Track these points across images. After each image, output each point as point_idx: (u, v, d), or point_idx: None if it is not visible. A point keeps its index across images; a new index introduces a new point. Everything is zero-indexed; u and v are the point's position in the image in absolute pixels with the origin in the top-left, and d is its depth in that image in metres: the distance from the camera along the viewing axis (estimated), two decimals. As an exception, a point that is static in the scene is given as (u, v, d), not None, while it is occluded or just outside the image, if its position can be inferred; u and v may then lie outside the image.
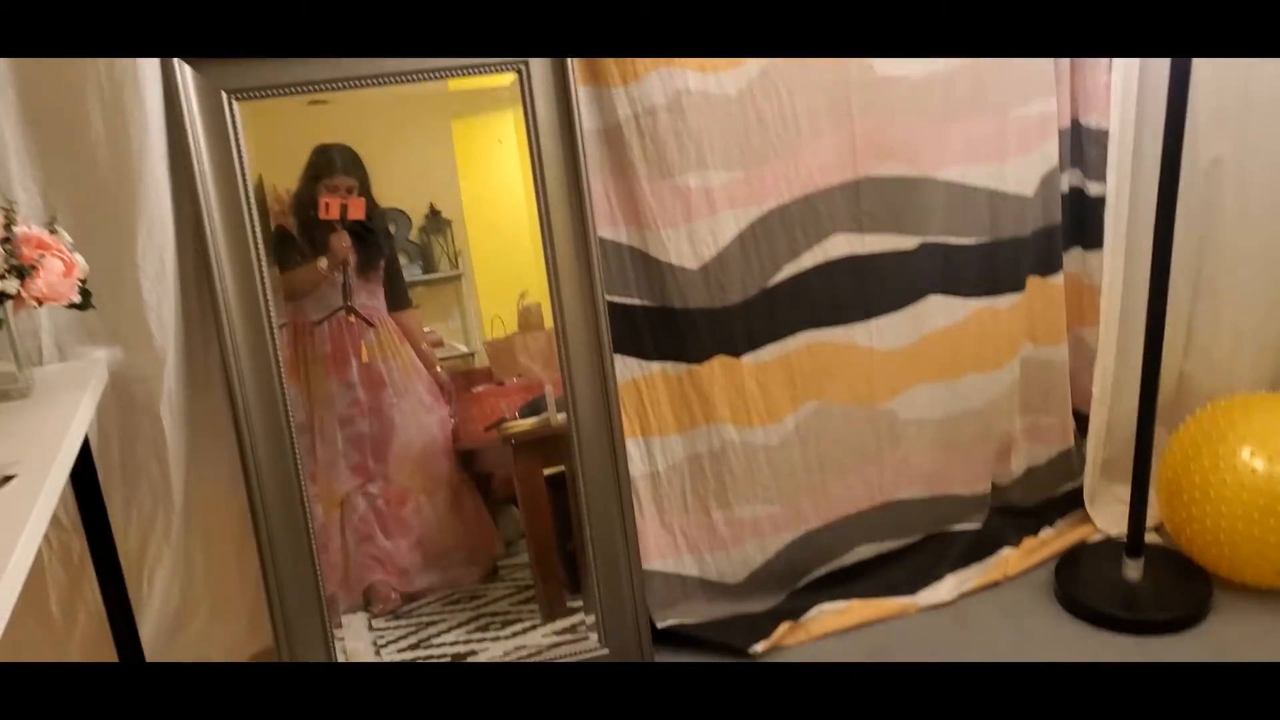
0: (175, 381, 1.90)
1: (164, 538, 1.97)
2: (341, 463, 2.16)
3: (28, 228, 1.53)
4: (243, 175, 1.83)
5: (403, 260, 2.19)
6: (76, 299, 1.59)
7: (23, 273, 1.49)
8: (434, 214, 2.21)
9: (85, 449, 1.84)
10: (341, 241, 2.08)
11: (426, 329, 2.24)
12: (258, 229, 1.87)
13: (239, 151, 1.82)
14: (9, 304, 1.52)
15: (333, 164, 2.13)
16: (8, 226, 1.50)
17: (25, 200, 1.71)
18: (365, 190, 2.13)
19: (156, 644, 2.01)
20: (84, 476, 1.85)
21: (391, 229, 2.18)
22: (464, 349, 2.27)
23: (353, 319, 2.14)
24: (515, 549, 2.30)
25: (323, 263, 2.08)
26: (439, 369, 2.23)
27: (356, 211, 2.07)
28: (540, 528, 2.22)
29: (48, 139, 1.73)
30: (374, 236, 2.14)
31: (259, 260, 1.87)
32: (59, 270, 1.55)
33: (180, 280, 1.87)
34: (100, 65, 1.69)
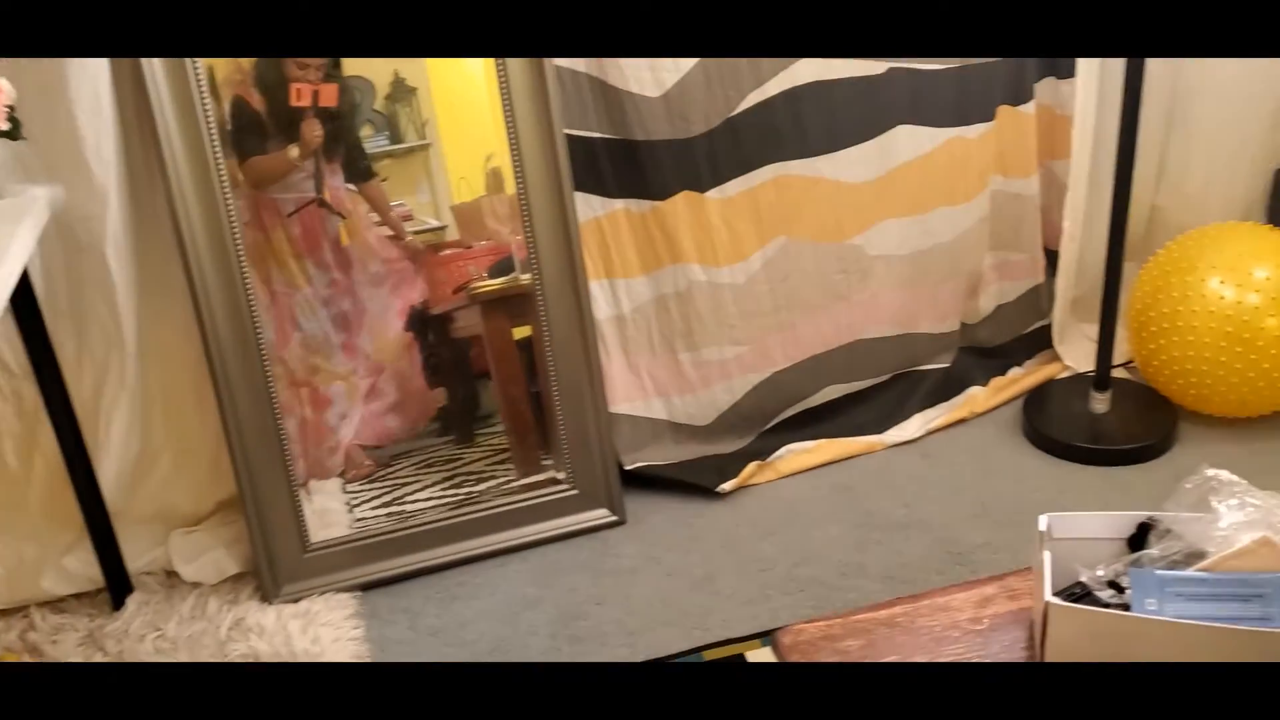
0: (121, 223, 1.85)
1: (119, 383, 1.94)
2: (333, 340, 2.12)
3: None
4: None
5: (369, 130, 2.12)
6: (4, 126, 1.53)
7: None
8: (399, 81, 2.13)
9: (30, 293, 1.80)
10: (313, 130, 2.00)
11: (396, 203, 2.18)
12: (199, 69, 1.80)
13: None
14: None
15: None
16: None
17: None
18: (332, 64, 2.03)
19: (118, 492, 2.00)
20: (31, 321, 1.81)
21: (356, 99, 2.10)
22: (435, 223, 2.21)
23: (324, 209, 2.08)
24: (494, 420, 2.27)
25: (294, 151, 2.00)
26: (409, 238, 2.17)
27: (329, 98, 1.99)
28: (512, 387, 2.20)
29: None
30: (344, 120, 2.05)
31: (202, 102, 1.81)
32: (-16, 95, 1.49)
33: (120, 117, 1.80)
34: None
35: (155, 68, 1.78)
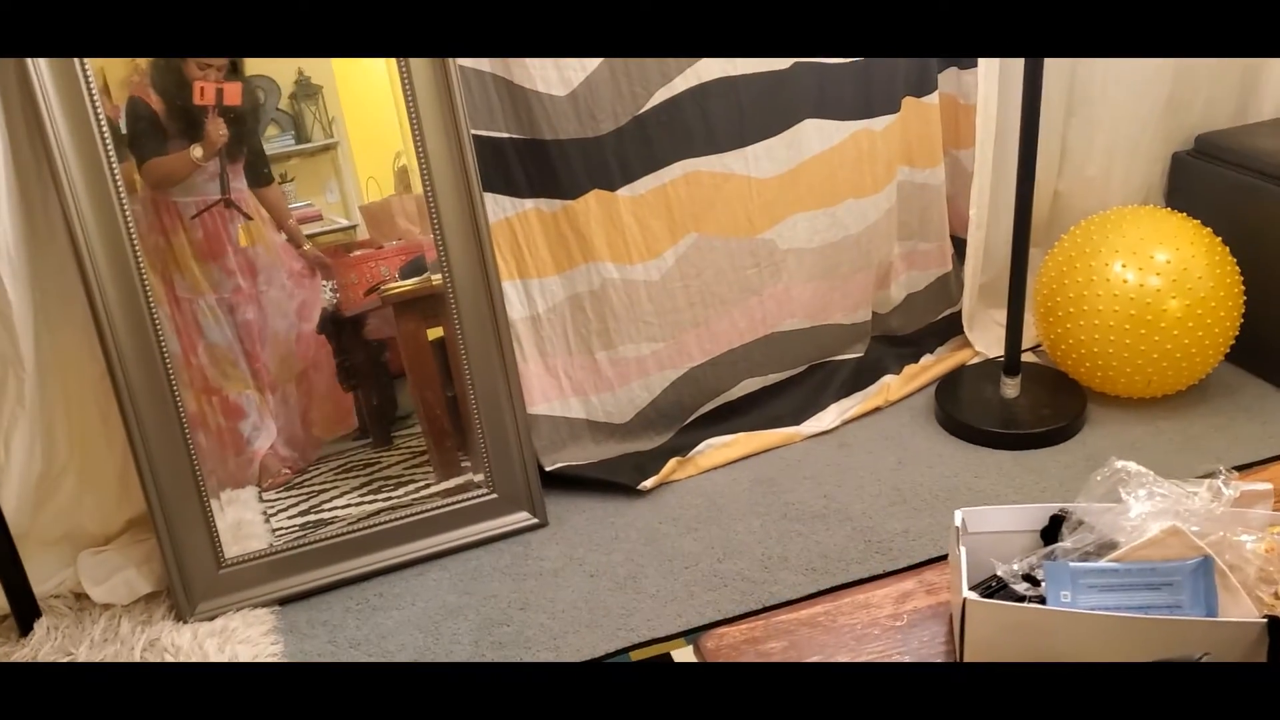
0: (13, 236, 1.78)
1: (18, 402, 1.87)
2: (238, 348, 2.07)
3: None
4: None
5: (274, 130, 2.07)
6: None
7: None
8: (303, 79, 2.08)
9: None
10: (219, 129, 1.94)
11: (304, 203, 2.13)
12: (89, 70, 1.74)
13: None
14: None
15: None
16: None
17: None
18: (235, 63, 1.97)
19: (20, 514, 1.92)
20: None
21: (260, 97, 2.05)
22: (344, 222, 2.17)
23: (230, 210, 2.03)
24: (413, 421, 2.24)
25: (197, 151, 1.95)
26: (308, 246, 2.13)
27: (233, 97, 1.94)
28: (427, 390, 2.17)
29: None
30: (246, 121, 2.00)
31: (93, 104, 1.75)
32: None
33: (7, 123, 1.73)
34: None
35: (42, 69, 1.71)
